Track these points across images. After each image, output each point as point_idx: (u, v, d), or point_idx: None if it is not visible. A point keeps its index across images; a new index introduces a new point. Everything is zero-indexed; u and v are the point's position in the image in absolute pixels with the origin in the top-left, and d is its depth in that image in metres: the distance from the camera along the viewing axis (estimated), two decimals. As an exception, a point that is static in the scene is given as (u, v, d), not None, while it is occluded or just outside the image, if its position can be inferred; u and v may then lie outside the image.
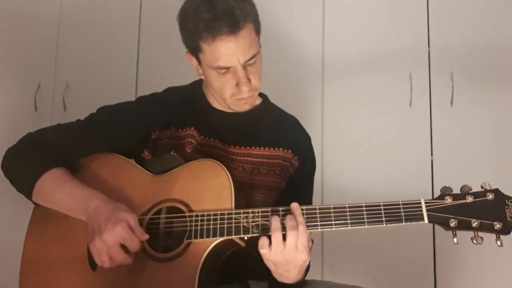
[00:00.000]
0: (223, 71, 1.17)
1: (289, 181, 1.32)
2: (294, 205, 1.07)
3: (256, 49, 1.18)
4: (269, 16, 2.00)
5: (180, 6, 1.21)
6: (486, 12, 2.05)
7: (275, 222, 1.04)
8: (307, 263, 1.07)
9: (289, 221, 1.04)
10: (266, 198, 1.28)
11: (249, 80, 1.18)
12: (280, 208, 1.09)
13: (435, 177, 2.00)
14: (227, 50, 1.13)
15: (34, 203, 1.24)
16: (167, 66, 2.21)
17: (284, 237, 1.03)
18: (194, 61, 1.25)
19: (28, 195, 1.22)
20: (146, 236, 1.11)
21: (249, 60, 1.16)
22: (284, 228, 1.04)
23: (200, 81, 1.36)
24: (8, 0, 2.40)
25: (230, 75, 1.18)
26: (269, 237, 1.04)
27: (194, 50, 1.20)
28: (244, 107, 1.25)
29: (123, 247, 1.09)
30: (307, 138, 1.40)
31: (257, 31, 1.20)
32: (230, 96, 1.21)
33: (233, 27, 1.12)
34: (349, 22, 2.15)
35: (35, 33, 2.35)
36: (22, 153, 1.24)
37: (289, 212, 1.07)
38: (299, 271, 1.07)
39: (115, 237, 1.07)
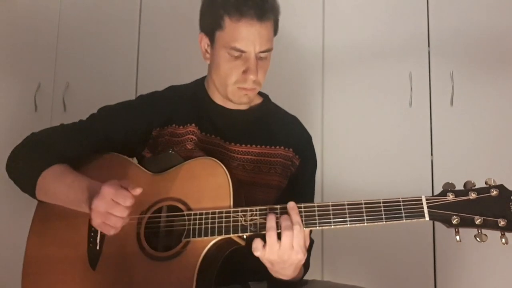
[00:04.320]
0: (237, 54, 1.19)
1: (290, 180, 1.32)
2: (291, 204, 1.06)
3: (271, 45, 1.22)
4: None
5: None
6: (487, 12, 2.05)
7: (270, 222, 1.04)
8: (303, 262, 1.07)
9: (284, 221, 1.04)
10: (267, 197, 1.28)
11: (257, 71, 1.20)
12: (278, 206, 1.08)
13: (435, 177, 1.99)
14: (248, 34, 1.17)
15: (38, 201, 1.25)
16: (167, 66, 2.21)
17: (279, 236, 1.02)
18: (205, 43, 1.26)
19: (32, 193, 1.22)
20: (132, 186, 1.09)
21: (263, 52, 1.19)
22: (279, 227, 1.03)
23: (203, 78, 1.37)
24: (9, 1, 2.40)
25: (241, 62, 1.19)
26: (264, 237, 1.04)
27: (213, 27, 1.21)
28: (243, 99, 1.25)
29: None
30: (308, 138, 1.40)
31: (275, 31, 1.24)
32: (234, 82, 1.22)
33: (260, 15, 1.16)
34: (349, 21, 2.15)
35: (35, 33, 2.35)
36: (25, 152, 1.25)
37: (286, 210, 1.07)
38: (294, 269, 1.07)
39: (103, 203, 1.06)
